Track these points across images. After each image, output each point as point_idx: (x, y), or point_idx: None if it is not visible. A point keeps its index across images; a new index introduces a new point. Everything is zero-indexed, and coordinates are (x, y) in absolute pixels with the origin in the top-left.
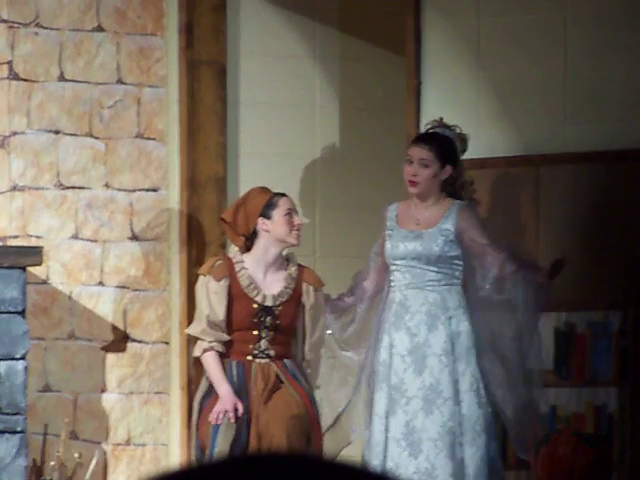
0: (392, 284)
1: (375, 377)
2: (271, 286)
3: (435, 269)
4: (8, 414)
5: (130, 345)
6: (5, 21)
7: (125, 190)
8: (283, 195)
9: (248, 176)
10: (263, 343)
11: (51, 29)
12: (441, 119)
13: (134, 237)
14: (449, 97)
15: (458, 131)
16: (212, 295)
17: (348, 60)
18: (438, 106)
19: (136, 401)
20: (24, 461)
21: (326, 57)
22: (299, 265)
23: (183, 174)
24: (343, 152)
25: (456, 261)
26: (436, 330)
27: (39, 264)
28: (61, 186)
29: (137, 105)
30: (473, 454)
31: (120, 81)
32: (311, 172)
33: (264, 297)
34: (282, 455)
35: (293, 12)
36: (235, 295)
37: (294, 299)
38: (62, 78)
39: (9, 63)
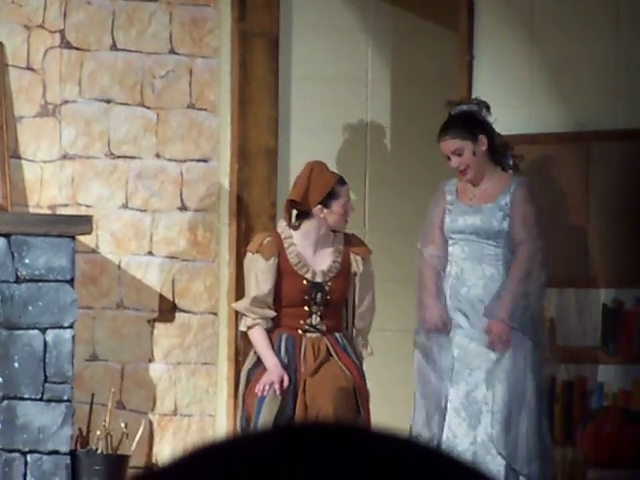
0: (449, 258)
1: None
2: (320, 262)
3: (493, 244)
4: (55, 383)
5: (178, 315)
6: None
7: (176, 160)
8: (344, 183)
9: (299, 149)
10: (314, 318)
11: None
12: (449, 101)
13: (184, 207)
14: (501, 73)
15: (475, 102)
16: (260, 274)
17: (400, 34)
18: (490, 82)
19: (183, 372)
20: (70, 430)
21: (378, 31)
22: (345, 234)
23: (234, 145)
24: (394, 127)
25: None
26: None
27: (88, 233)
28: (112, 155)
29: (189, 75)
30: (526, 429)
31: (172, 51)
32: (361, 146)
33: (314, 274)
34: (327, 424)
35: None
36: (284, 272)
37: (343, 271)
38: (114, 47)
39: (61, 32)
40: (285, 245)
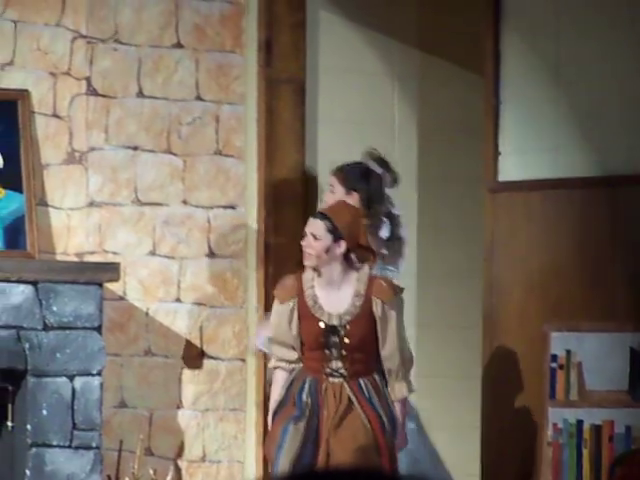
0: None
1: None
2: (337, 304)
3: None
4: (83, 430)
5: (206, 362)
6: (84, 37)
7: (203, 207)
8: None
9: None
10: (334, 362)
11: (130, 45)
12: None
13: (211, 254)
14: (528, 117)
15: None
16: (275, 316)
17: (426, 79)
18: (516, 126)
19: (212, 418)
20: (98, 477)
21: (405, 75)
22: (370, 277)
23: (261, 191)
24: (421, 171)
25: None
26: None
27: (116, 280)
28: (139, 202)
29: (215, 122)
30: None
31: (199, 98)
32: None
33: (329, 316)
34: (345, 471)
35: (372, 30)
36: (303, 315)
37: (364, 314)
38: (141, 94)
39: (87, 79)
40: (304, 287)
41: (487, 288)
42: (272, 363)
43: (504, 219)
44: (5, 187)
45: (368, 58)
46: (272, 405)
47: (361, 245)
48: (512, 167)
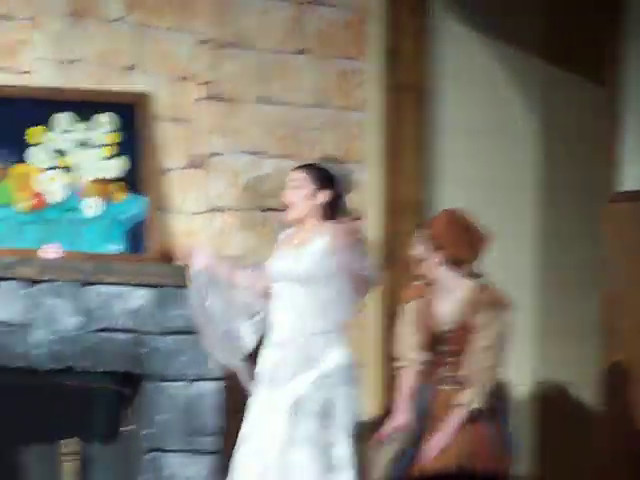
0: None
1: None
2: (445, 312)
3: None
4: (202, 435)
5: None
6: (207, 41)
7: None
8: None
9: (447, 202)
10: (445, 368)
11: (253, 50)
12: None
13: None
14: None
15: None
16: (400, 317)
17: (549, 87)
18: (639, 134)
19: None
20: None
21: (527, 83)
22: (481, 287)
23: (383, 198)
24: (545, 179)
25: None
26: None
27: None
28: (260, 207)
29: (339, 128)
30: None
31: (321, 104)
32: (511, 199)
33: (439, 323)
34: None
35: (494, 38)
36: (422, 319)
37: (468, 323)
38: (263, 100)
39: (210, 83)
40: (425, 293)
41: (606, 299)
42: (398, 364)
43: (625, 229)
44: (127, 191)
45: (490, 66)
46: (398, 405)
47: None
48: (634, 177)
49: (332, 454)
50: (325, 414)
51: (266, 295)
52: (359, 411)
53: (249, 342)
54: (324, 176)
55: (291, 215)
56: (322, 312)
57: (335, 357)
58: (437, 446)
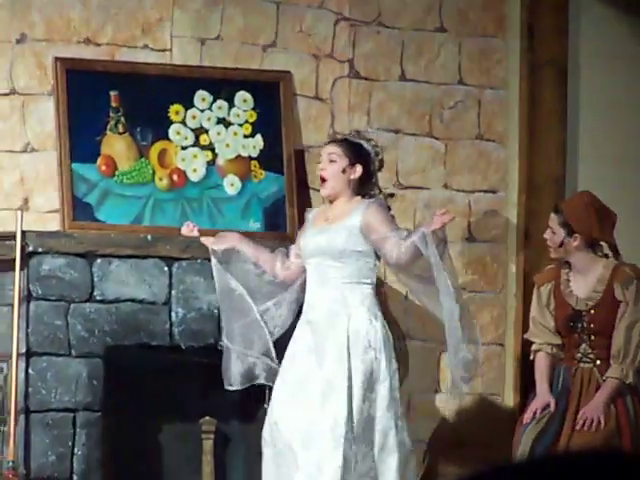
0: None
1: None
2: (583, 290)
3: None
4: None
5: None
6: (347, 19)
7: (464, 191)
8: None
9: (587, 179)
10: (583, 347)
11: (393, 28)
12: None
13: (471, 238)
14: None
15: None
16: (535, 299)
17: None
18: None
19: (469, 402)
20: None
21: None
22: (616, 265)
23: (522, 176)
24: None
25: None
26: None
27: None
28: (400, 185)
29: (477, 106)
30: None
31: (461, 82)
32: None
33: (577, 301)
34: (586, 455)
35: (634, 14)
36: (558, 300)
37: (607, 300)
38: (403, 78)
39: (350, 61)
40: (561, 274)
41: None
42: (534, 346)
43: None
44: (265, 169)
45: (630, 42)
46: (540, 387)
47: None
48: None
49: (375, 428)
50: (369, 388)
51: (285, 283)
52: (398, 385)
53: (271, 333)
54: (358, 151)
55: (326, 190)
56: (358, 287)
57: (376, 330)
58: (587, 421)
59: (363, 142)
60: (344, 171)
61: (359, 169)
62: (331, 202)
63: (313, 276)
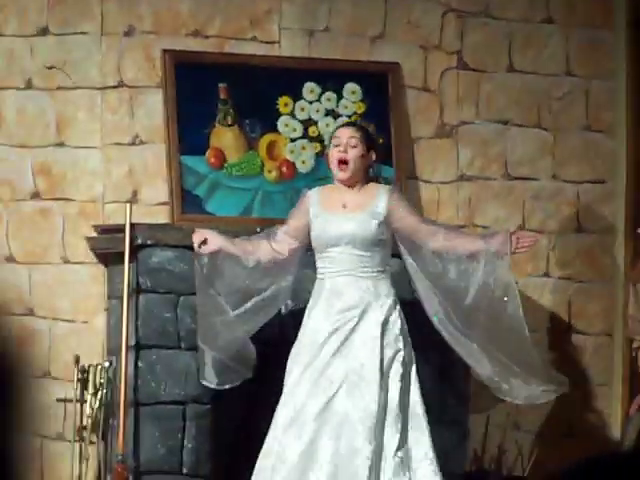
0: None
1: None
2: None
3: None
4: (450, 406)
5: (573, 336)
6: (455, 10)
7: (572, 182)
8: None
9: None
10: None
11: (500, 19)
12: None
13: (580, 228)
14: None
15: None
16: (633, 296)
17: None
18: None
19: (578, 392)
20: (465, 451)
21: None
22: None
23: (630, 166)
24: None
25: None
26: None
27: None
28: (508, 177)
29: (585, 97)
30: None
31: (569, 73)
32: None
33: None
34: None
35: None
36: None
37: None
38: (511, 69)
39: (458, 53)
40: None
41: None
42: (636, 343)
43: None
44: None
45: None
46: None
47: None
48: None
49: (409, 412)
50: (402, 376)
51: (282, 260)
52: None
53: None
54: (370, 137)
55: (347, 173)
56: (385, 275)
57: (401, 318)
58: None
59: (369, 129)
60: (363, 156)
61: (373, 155)
62: (348, 185)
63: (337, 265)
